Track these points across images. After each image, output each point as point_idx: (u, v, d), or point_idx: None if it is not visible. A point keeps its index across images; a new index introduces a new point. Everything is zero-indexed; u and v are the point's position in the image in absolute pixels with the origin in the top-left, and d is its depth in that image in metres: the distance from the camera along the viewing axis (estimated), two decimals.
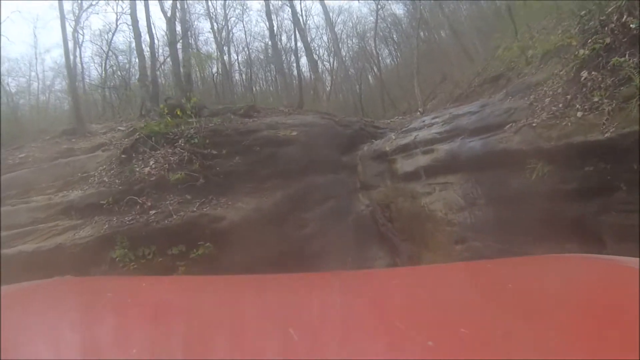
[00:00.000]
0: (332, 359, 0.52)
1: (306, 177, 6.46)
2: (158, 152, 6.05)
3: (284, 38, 17.06)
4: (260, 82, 19.00)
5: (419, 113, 11.34)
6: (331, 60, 18.80)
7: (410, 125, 7.51)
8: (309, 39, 16.35)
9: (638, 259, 0.89)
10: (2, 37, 11.38)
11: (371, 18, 18.49)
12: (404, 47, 19.44)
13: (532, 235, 4.44)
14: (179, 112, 6.54)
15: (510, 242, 4.79)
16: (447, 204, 5.91)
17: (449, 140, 6.19)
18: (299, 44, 15.83)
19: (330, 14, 18.30)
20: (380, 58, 18.58)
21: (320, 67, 17.25)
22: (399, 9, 19.05)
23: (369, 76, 19.71)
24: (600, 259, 1.08)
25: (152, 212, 5.31)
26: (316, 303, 0.81)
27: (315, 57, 17.02)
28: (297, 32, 15.28)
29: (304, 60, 16.64)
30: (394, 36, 20.38)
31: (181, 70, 10.08)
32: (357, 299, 0.81)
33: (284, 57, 16.47)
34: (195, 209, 5.40)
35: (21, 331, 0.63)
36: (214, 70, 15.83)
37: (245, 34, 17.56)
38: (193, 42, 14.70)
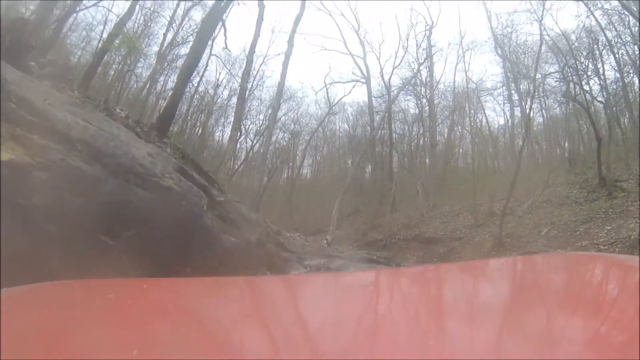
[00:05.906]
0: (330, 359, 0.52)
1: None
2: None
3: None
4: None
5: (325, 241, 10.11)
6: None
7: None
8: None
9: (638, 257, 0.91)
10: None
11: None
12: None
13: None
14: None
15: None
16: None
17: None
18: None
19: None
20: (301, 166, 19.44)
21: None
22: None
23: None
24: (600, 257, 1.11)
25: None
26: (317, 302, 0.81)
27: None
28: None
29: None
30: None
31: None
32: (356, 298, 0.80)
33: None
34: None
35: (21, 333, 0.62)
36: None
37: None
38: None
